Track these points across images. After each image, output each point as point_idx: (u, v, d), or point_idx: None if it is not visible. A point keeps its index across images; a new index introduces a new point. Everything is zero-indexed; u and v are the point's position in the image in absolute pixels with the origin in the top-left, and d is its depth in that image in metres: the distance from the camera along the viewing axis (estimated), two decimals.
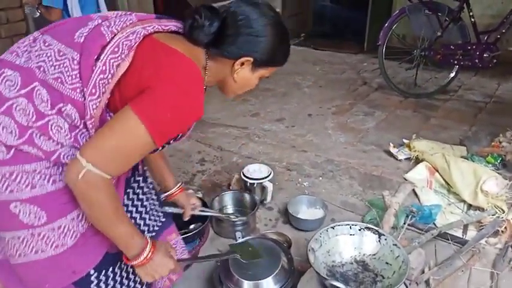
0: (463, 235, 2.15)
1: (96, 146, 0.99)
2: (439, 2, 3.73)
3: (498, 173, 2.48)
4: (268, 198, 2.43)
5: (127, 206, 1.35)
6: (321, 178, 2.73)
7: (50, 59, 1.03)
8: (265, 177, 2.38)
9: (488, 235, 2.09)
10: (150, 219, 1.44)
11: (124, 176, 1.24)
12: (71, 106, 1.02)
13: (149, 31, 1.08)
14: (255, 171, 2.44)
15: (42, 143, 1.03)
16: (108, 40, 1.03)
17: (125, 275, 1.31)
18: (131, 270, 1.30)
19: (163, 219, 1.51)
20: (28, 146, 1.02)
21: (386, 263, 1.64)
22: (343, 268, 1.68)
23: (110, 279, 1.25)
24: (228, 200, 2.36)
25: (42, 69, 1.02)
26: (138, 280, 1.32)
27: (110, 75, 1.01)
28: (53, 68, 1.02)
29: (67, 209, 1.10)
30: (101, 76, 1.01)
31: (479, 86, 4.31)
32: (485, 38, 3.84)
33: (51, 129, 1.02)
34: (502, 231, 2.10)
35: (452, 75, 4.04)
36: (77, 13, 2.88)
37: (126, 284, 1.30)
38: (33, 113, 1.01)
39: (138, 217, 1.40)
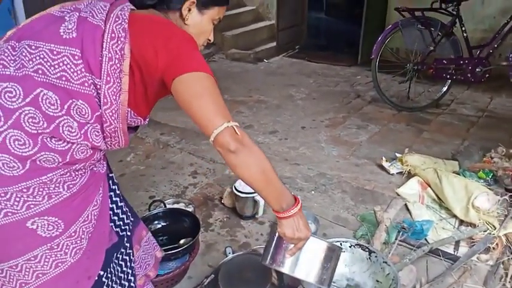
0: (454, 251, 2.15)
1: (212, 110, 1.07)
2: (432, 17, 3.75)
3: (489, 188, 2.48)
4: (260, 212, 2.42)
5: (111, 196, 1.36)
6: (313, 192, 2.72)
7: (45, 60, 1.02)
8: None
9: (479, 252, 2.09)
10: (127, 218, 1.45)
11: (106, 171, 1.29)
12: (81, 101, 1.04)
13: (126, 10, 1.12)
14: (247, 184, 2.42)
15: (55, 145, 1.04)
16: (103, 28, 1.06)
17: (123, 265, 1.34)
18: (127, 258, 1.36)
19: (133, 218, 1.50)
20: (44, 153, 1.02)
21: (377, 280, 1.64)
22: (333, 285, 1.67)
23: (113, 275, 1.28)
24: None
25: (41, 71, 1.02)
26: (131, 269, 1.39)
27: (117, 60, 1.05)
28: (52, 68, 1.02)
29: (78, 212, 1.13)
30: (110, 63, 1.05)
31: (472, 100, 4.33)
32: (478, 52, 3.87)
33: (62, 131, 1.03)
34: (494, 248, 2.10)
35: (444, 89, 4.06)
36: None
37: (125, 272, 1.35)
38: (43, 119, 1.01)
39: (120, 212, 1.41)
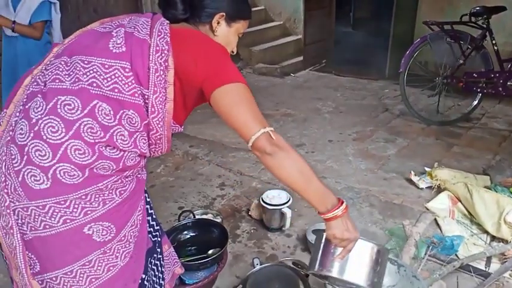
0: (486, 267, 2.10)
1: (250, 117, 1.14)
2: (461, 30, 3.72)
3: None
4: (287, 224, 2.43)
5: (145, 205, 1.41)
6: None
7: (98, 74, 1.09)
8: (284, 204, 2.38)
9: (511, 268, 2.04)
10: (156, 225, 1.51)
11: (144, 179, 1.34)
12: (132, 111, 1.11)
13: (166, 25, 1.19)
14: (274, 197, 2.44)
15: (110, 153, 1.10)
16: (149, 42, 1.14)
17: (155, 269, 1.39)
18: (158, 263, 1.41)
19: (158, 227, 1.54)
20: (102, 161, 1.08)
21: None
22: None
23: (150, 279, 1.34)
24: None
25: (95, 84, 1.08)
26: (162, 273, 1.45)
27: (162, 72, 1.13)
28: (105, 80, 1.09)
29: (127, 217, 1.19)
30: (157, 74, 1.12)
31: (503, 114, 4.25)
32: (509, 66, 3.80)
33: (116, 139, 1.09)
34: None
35: (475, 103, 3.99)
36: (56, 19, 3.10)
37: (157, 276, 1.40)
38: (100, 129, 1.07)
39: (151, 219, 1.47)
